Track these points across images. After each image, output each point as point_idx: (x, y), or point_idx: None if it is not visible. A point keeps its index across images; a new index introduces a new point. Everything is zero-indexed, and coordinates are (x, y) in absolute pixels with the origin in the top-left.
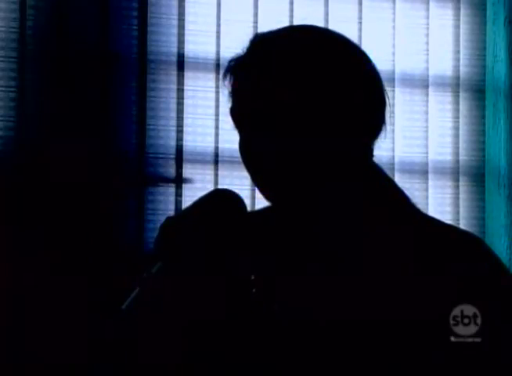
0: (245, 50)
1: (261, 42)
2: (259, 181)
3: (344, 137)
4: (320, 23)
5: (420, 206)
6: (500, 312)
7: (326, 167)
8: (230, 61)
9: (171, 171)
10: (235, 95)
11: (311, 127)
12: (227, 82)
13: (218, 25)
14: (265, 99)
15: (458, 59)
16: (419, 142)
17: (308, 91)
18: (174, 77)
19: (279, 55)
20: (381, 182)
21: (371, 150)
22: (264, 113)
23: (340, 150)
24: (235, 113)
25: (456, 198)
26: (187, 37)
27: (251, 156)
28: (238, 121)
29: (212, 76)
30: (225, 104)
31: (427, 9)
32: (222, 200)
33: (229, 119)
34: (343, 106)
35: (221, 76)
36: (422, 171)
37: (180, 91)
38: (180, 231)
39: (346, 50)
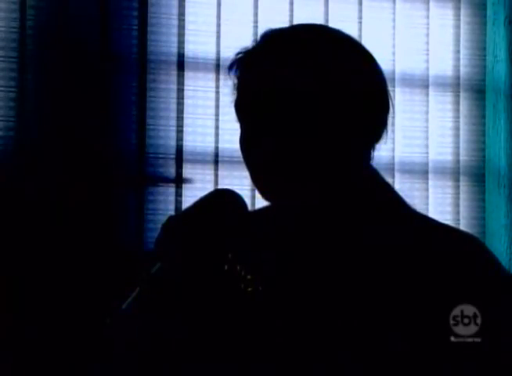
0: (254, 44)
1: (271, 37)
2: (257, 176)
3: (343, 139)
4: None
5: (420, 206)
6: (500, 311)
7: (322, 167)
8: (238, 53)
9: (171, 171)
10: (240, 87)
11: (312, 126)
12: (233, 74)
13: (218, 25)
14: (269, 93)
15: (458, 59)
16: (419, 142)
17: (313, 90)
18: (174, 77)
19: (288, 51)
20: (378, 184)
21: (370, 153)
22: (267, 108)
23: (339, 151)
24: (239, 105)
25: (456, 198)
26: (187, 37)
27: (251, 150)
28: (241, 114)
29: (212, 76)
30: (225, 104)
31: (427, 9)
32: (223, 200)
33: (229, 119)
34: (346, 109)
35: (220, 70)
36: (422, 171)
37: (180, 91)
38: (181, 231)
39: (355, 53)
